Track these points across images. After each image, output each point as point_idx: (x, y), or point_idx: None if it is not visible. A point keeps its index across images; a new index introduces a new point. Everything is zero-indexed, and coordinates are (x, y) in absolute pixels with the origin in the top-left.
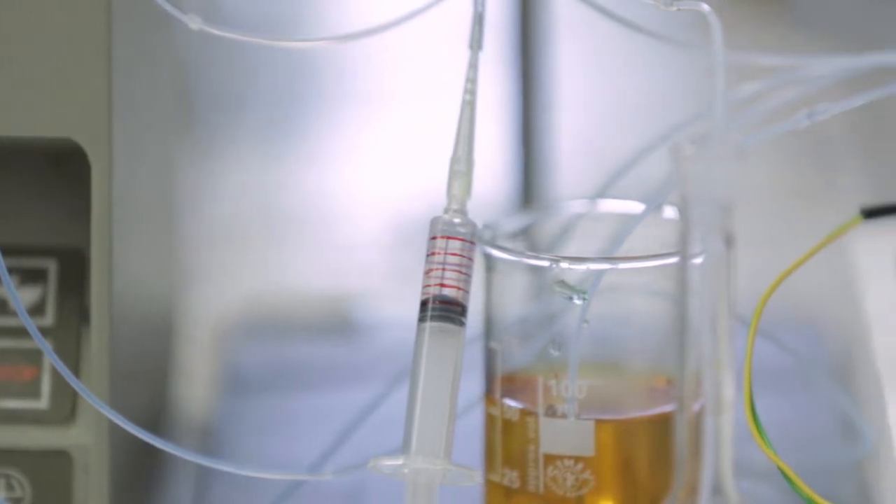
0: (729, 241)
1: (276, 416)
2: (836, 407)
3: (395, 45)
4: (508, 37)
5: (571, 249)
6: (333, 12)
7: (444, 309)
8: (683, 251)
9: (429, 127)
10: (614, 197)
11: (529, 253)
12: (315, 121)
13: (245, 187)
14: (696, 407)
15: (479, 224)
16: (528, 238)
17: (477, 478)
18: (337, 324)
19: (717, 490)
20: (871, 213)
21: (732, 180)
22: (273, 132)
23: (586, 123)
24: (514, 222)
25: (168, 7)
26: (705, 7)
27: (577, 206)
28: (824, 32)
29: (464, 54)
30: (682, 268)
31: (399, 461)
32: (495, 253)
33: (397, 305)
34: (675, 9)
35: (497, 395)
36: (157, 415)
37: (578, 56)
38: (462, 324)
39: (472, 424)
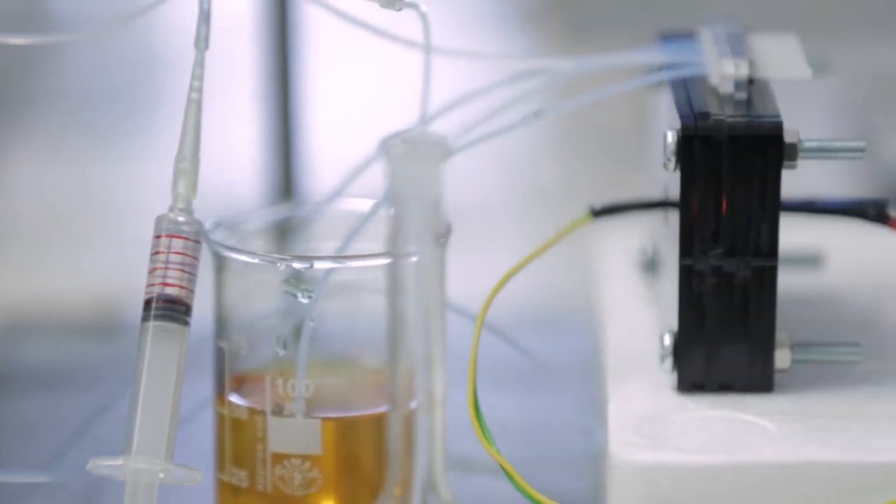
0: (439, 239)
1: (35, 416)
2: (580, 405)
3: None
4: (266, 36)
5: (320, 247)
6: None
7: (167, 308)
8: (395, 250)
9: (227, 126)
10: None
11: (255, 252)
12: (110, 119)
13: (26, 186)
14: (413, 405)
15: (210, 222)
16: (277, 235)
17: (199, 478)
18: (107, 324)
19: (431, 487)
20: (600, 212)
21: (441, 179)
22: (65, 130)
23: (346, 123)
24: (253, 220)
25: None
26: (423, 8)
27: (322, 203)
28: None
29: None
30: (395, 266)
31: (119, 462)
32: (223, 252)
33: None
34: (398, 9)
35: (226, 394)
36: None
37: (336, 55)
38: (186, 323)
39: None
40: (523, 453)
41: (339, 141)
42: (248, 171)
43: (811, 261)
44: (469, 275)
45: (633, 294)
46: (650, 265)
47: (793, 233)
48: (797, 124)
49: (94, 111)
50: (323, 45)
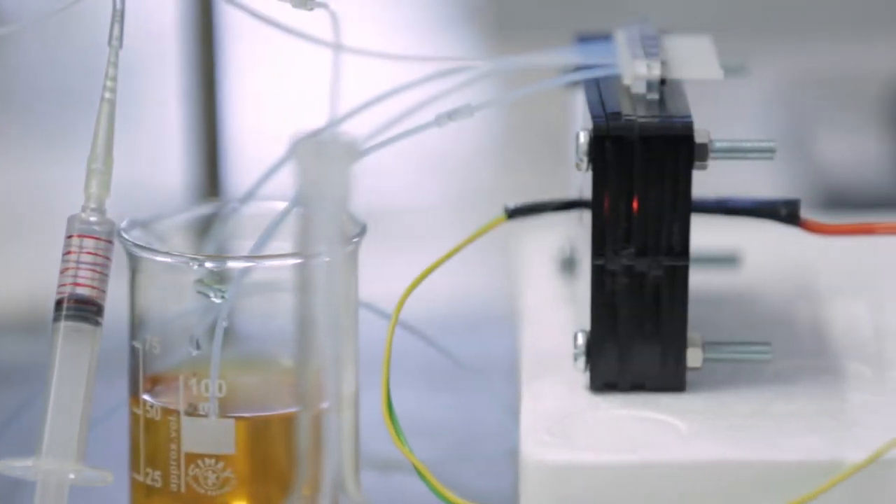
0: (351, 239)
1: None
2: (503, 405)
3: (142, 45)
4: (193, 35)
5: (238, 246)
6: None
7: (78, 309)
8: (304, 250)
9: (153, 126)
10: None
11: (169, 252)
12: (50, 118)
13: None
14: (324, 405)
15: (126, 222)
16: (195, 234)
17: (109, 478)
18: (39, 322)
19: (339, 486)
20: (514, 213)
21: (350, 179)
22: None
23: (274, 122)
24: (169, 219)
25: None
26: (332, 8)
27: (238, 203)
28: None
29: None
30: (304, 266)
31: (29, 463)
32: (136, 252)
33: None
34: (309, 9)
35: (140, 394)
36: None
37: (264, 54)
38: (98, 323)
39: None
40: (444, 453)
41: (267, 140)
42: (174, 171)
43: (729, 260)
44: (403, 275)
45: (551, 294)
46: (568, 265)
47: (713, 232)
48: (730, 126)
49: (34, 109)
50: (250, 44)
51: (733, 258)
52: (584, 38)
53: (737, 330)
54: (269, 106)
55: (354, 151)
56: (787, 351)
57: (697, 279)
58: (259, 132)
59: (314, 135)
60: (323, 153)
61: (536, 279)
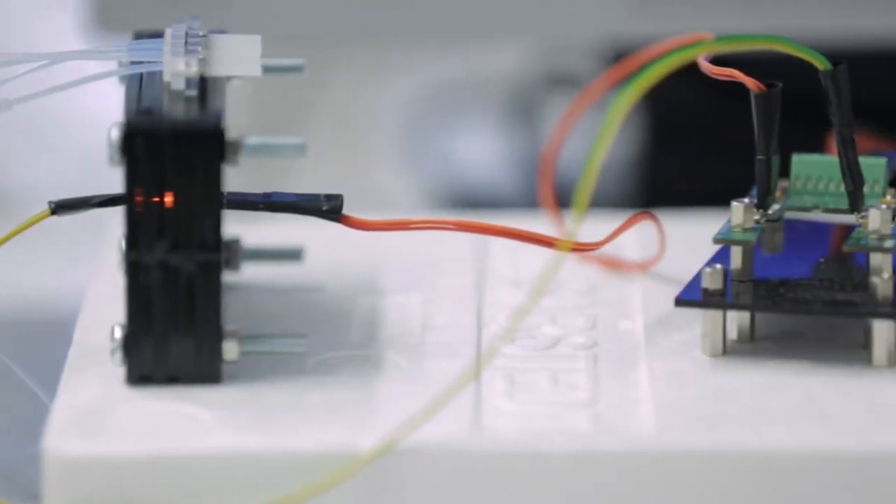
0: None
1: None
2: None
3: None
4: None
5: None
6: None
7: None
8: None
9: None
10: None
11: None
12: None
13: None
14: None
15: None
16: None
17: None
18: None
19: None
20: (58, 208)
21: None
22: None
23: None
24: None
25: None
26: None
27: None
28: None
29: None
30: None
31: None
32: None
33: None
34: None
35: None
36: None
37: None
38: None
39: None
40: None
41: None
42: None
43: (292, 255)
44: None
45: (112, 289)
46: None
47: (284, 228)
48: (366, 133)
49: None
50: None
51: (297, 253)
52: (141, 35)
53: (293, 323)
54: None
55: None
56: (334, 343)
57: (260, 273)
58: None
59: None
60: None
61: (102, 274)
